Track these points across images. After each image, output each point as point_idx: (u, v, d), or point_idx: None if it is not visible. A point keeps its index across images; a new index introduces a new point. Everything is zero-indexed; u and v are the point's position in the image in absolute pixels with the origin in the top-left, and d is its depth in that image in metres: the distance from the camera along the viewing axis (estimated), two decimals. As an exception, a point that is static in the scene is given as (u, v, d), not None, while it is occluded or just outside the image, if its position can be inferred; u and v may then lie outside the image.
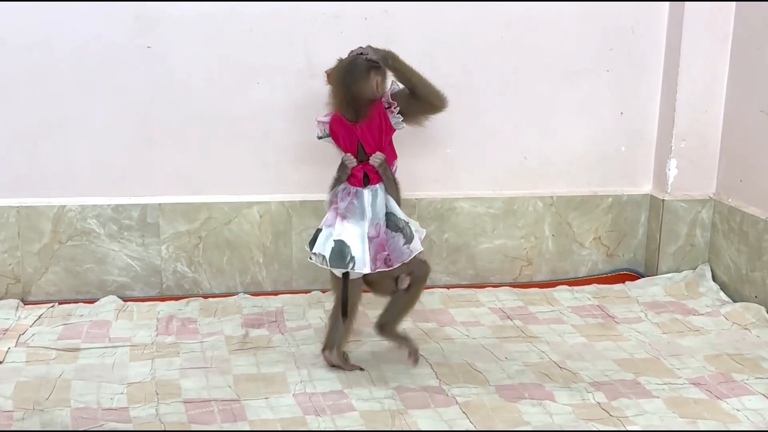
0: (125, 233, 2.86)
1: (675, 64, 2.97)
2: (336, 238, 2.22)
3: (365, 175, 2.25)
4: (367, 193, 2.24)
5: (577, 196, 3.10)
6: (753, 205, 2.89)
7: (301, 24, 2.81)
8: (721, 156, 3.04)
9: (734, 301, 2.89)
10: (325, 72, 2.27)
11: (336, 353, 2.33)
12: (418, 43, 2.83)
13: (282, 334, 2.59)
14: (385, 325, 2.36)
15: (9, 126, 2.74)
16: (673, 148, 3.02)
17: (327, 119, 2.29)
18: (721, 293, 2.96)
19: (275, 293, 2.94)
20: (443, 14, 2.87)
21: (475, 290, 2.98)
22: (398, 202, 2.28)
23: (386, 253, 2.21)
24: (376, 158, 2.24)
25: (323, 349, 2.36)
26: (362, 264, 2.19)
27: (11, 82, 2.71)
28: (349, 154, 2.26)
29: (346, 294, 2.28)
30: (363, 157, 2.26)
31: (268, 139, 2.89)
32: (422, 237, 2.29)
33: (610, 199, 3.12)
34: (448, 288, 3.01)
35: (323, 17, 2.81)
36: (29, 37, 2.69)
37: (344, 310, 2.29)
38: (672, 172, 3.05)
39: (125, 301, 2.82)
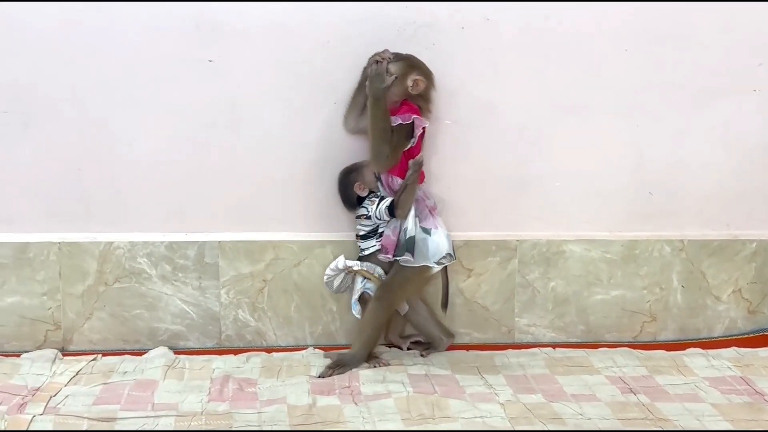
0: (180, 274, 2.62)
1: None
2: (448, 233, 2.49)
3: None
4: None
5: (714, 240, 2.80)
6: None
7: (387, 32, 2.50)
8: None
9: None
10: (426, 74, 2.45)
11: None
12: (519, 54, 2.58)
13: (356, 404, 2.27)
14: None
15: (49, 150, 2.54)
16: (835, 183, 2.71)
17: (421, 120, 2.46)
18: None
19: (350, 347, 2.62)
20: (552, 19, 2.57)
21: (586, 351, 2.67)
22: None
23: None
24: (421, 158, 2.45)
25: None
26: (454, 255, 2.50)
27: (51, 100, 2.50)
28: (420, 154, 2.45)
29: (447, 283, 2.56)
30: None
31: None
32: None
33: (754, 245, 2.80)
34: (554, 347, 2.72)
35: (412, 26, 2.53)
36: (71, 48, 2.46)
37: (446, 300, 2.56)
38: (833, 212, 2.74)
39: (177, 353, 2.58)
